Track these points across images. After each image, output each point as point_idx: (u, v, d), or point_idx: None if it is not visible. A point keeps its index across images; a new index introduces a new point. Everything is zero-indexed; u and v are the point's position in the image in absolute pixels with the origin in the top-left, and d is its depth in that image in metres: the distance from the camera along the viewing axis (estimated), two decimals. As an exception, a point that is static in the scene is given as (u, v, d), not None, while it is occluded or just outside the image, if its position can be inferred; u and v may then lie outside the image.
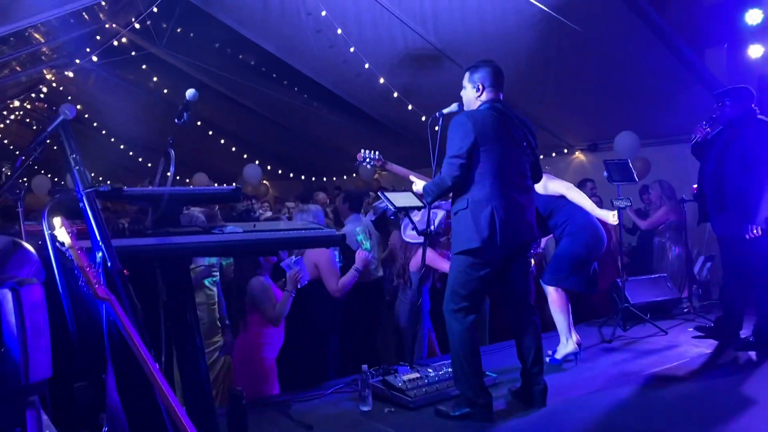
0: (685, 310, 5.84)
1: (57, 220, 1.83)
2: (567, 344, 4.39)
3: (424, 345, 4.87)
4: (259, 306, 3.99)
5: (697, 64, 7.07)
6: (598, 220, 4.46)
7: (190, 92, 3.07)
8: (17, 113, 15.95)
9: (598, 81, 7.81)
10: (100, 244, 2.16)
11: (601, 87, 7.88)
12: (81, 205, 2.15)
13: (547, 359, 4.31)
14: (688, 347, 4.75)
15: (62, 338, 2.14)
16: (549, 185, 4.40)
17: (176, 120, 3.17)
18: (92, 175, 16.95)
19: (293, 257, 4.03)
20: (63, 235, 1.82)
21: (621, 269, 5.60)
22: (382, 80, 8.75)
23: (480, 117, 3.55)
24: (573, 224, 4.34)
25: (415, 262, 4.69)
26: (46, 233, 1.89)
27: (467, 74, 3.76)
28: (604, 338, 5.05)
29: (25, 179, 13.23)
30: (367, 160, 4.46)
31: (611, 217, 4.42)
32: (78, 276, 1.85)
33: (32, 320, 1.64)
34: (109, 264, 2.13)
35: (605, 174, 5.28)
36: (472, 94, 3.70)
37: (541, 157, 10.10)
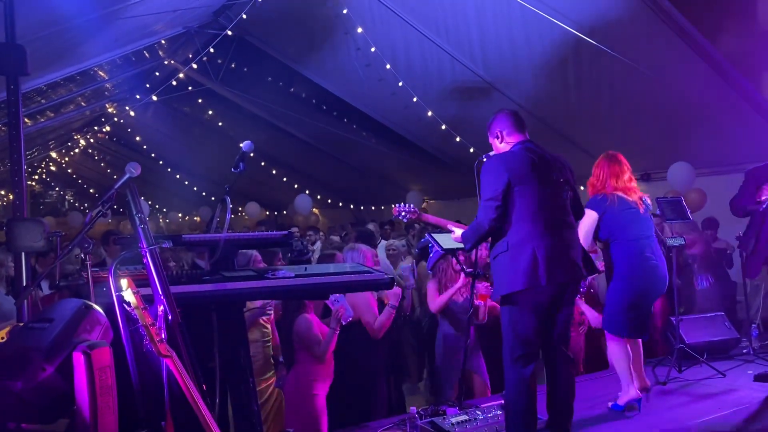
0: (744, 351, 5.64)
1: (124, 282, 1.94)
2: (628, 391, 4.26)
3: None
4: (306, 343, 4.07)
5: (753, 93, 6.92)
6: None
7: (246, 144, 3.21)
8: (81, 145, 16.70)
9: (650, 110, 7.73)
10: (162, 297, 2.28)
11: (653, 116, 7.79)
12: (145, 260, 2.28)
13: (610, 404, 4.24)
14: (748, 391, 4.58)
15: (125, 388, 2.25)
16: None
17: (233, 169, 3.32)
18: (149, 203, 17.53)
19: (338, 294, 4.08)
20: (129, 296, 1.94)
21: (676, 307, 5.46)
22: (430, 113, 8.86)
23: (511, 157, 3.50)
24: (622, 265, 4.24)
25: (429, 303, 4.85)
26: (114, 295, 2.01)
27: (488, 134, 3.75)
28: (659, 380, 4.92)
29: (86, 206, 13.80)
30: (403, 213, 4.44)
31: None
32: (142, 333, 1.96)
33: (101, 381, 1.75)
34: (170, 317, 2.24)
35: (657, 212, 5.19)
36: (497, 144, 3.69)
37: (592, 187, 9.87)
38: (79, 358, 1.74)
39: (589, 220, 4.24)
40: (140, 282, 2.36)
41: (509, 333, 3.43)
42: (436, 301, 4.81)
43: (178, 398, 2.32)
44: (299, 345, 4.16)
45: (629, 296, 4.21)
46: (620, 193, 4.30)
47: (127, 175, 2.45)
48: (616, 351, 4.28)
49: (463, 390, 4.27)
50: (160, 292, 2.30)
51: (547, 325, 3.51)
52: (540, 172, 3.47)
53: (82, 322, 1.84)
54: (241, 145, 3.33)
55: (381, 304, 4.61)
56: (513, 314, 3.42)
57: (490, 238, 3.54)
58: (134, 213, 2.31)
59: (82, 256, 2.45)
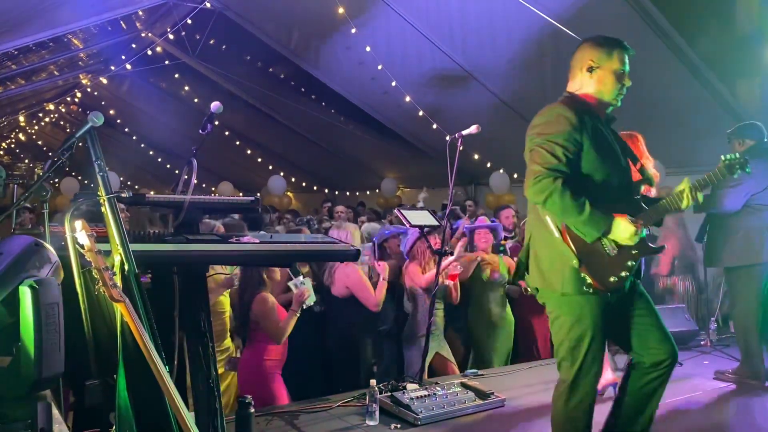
0: (702, 343, 5.77)
1: (78, 224, 1.90)
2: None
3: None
4: (263, 323, 4.01)
5: (726, 96, 7.03)
6: None
7: (214, 105, 3.16)
8: (52, 116, 16.36)
9: (625, 108, 7.74)
10: (119, 248, 2.24)
11: (629, 114, 7.78)
12: (102, 209, 2.23)
13: None
14: (702, 380, 4.69)
15: (77, 337, 2.21)
16: None
17: (200, 131, 3.26)
18: (121, 179, 17.28)
19: (300, 277, 4.04)
20: (83, 239, 1.90)
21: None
22: (408, 99, 8.84)
23: None
24: None
25: (416, 281, 4.80)
26: (68, 236, 1.97)
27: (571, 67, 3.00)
28: (617, 366, 4.99)
29: (56, 180, 13.53)
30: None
31: None
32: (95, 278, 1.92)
33: (48, 317, 1.72)
34: (126, 268, 2.20)
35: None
36: (586, 79, 2.91)
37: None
38: (26, 293, 1.70)
39: None
40: (100, 239, 2.32)
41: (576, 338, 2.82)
42: (424, 277, 4.78)
43: (132, 351, 2.29)
44: (256, 324, 4.09)
45: None
46: None
47: (89, 124, 2.40)
48: None
49: (425, 367, 4.29)
50: (117, 243, 2.26)
51: None
52: None
53: (32, 258, 1.80)
54: (211, 106, 3.28)
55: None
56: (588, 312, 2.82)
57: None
58: (94, 160, 2.26)
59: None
